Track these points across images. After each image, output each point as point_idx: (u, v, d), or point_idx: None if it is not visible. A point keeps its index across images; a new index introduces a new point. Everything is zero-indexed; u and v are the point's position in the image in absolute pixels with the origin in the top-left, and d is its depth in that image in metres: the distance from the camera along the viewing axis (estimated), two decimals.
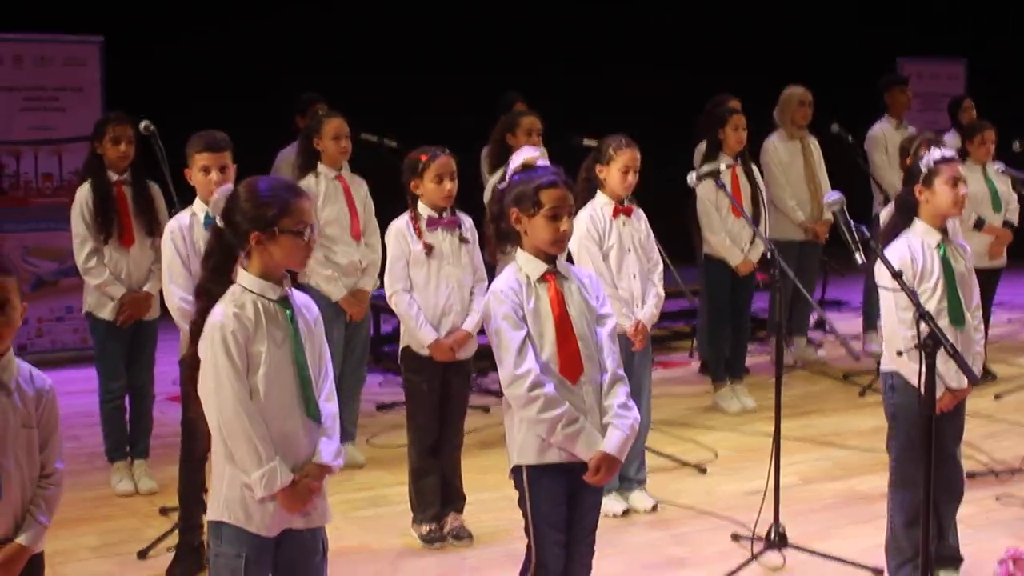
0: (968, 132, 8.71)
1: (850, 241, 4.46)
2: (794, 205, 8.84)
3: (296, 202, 3.73)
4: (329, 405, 3.82)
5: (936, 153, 5.02)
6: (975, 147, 8.48)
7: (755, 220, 7.83)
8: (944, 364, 4.75)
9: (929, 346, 4.06)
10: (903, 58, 12.41)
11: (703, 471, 6.79)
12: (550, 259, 4.17)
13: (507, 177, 4.31)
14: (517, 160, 4.34)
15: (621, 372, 4.19)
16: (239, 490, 3.69)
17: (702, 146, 8.22)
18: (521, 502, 4.16)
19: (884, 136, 9.49)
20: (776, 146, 8.98)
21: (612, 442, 4.06)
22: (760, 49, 12.40)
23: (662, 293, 6.24)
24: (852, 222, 4.54)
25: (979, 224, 8.39)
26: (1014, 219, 8.63)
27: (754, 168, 8.08)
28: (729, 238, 7.87)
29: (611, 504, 6.08)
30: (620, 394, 4.14)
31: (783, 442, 6.99)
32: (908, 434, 4.87)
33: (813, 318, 9.93)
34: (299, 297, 3.85)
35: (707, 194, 7.74)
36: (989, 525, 5.90)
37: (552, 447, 4.06)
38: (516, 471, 4.15)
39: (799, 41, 12.68)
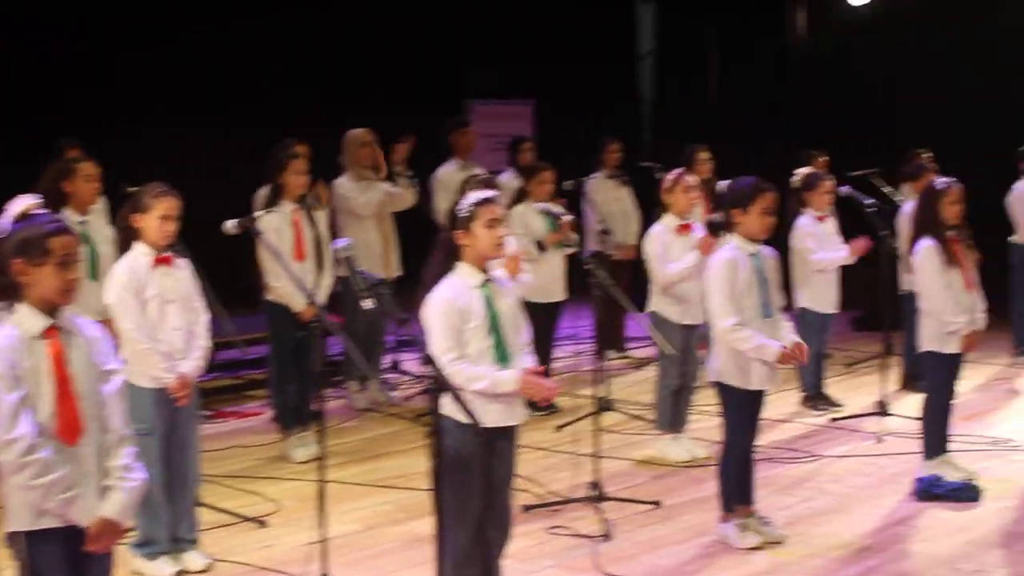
0: (527, 173, 8.99)
1: (358, 288, 4.43)
2: (369, 244, 8.86)
3: None
4: None
5: (474, 196, 5.05)
6: (535, 187, 8.74)
7: (319, 264, 7.78)
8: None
9: (434, 389, 4.05)
10: (472, 100, 12.68)
11: (262, 524, 6.60)
12: (54, 312, 3.95)
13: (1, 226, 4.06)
14: (15, 208, 4.09)
15: (128, 431, 4.02)
16: None
17: (264, 190, 8.07)
18: (19, 573, 3.91)
19: (448, 178, 9.65)
20: (346, 187, 8.99)
21: (113, 506, 3.91)
22: (327, 93, 12.32)
23: (206, 344, 6.00)
24: (362, 269, 4.53)
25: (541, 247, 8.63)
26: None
27: (320, 212, 8.02)
28: (293, 283, 7.72)
29: (161, 567, 5.81)
30: (125, 455, 3.98)
31: (347, 488, 7.02)
32: (452, 476, 4.86)
33: (388, 361, 9.98)
34: None
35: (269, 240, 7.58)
36: (540, 557, 6.01)
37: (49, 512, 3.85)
38: (12, 539, 3.92)
39: (367, 83, 12.65)
